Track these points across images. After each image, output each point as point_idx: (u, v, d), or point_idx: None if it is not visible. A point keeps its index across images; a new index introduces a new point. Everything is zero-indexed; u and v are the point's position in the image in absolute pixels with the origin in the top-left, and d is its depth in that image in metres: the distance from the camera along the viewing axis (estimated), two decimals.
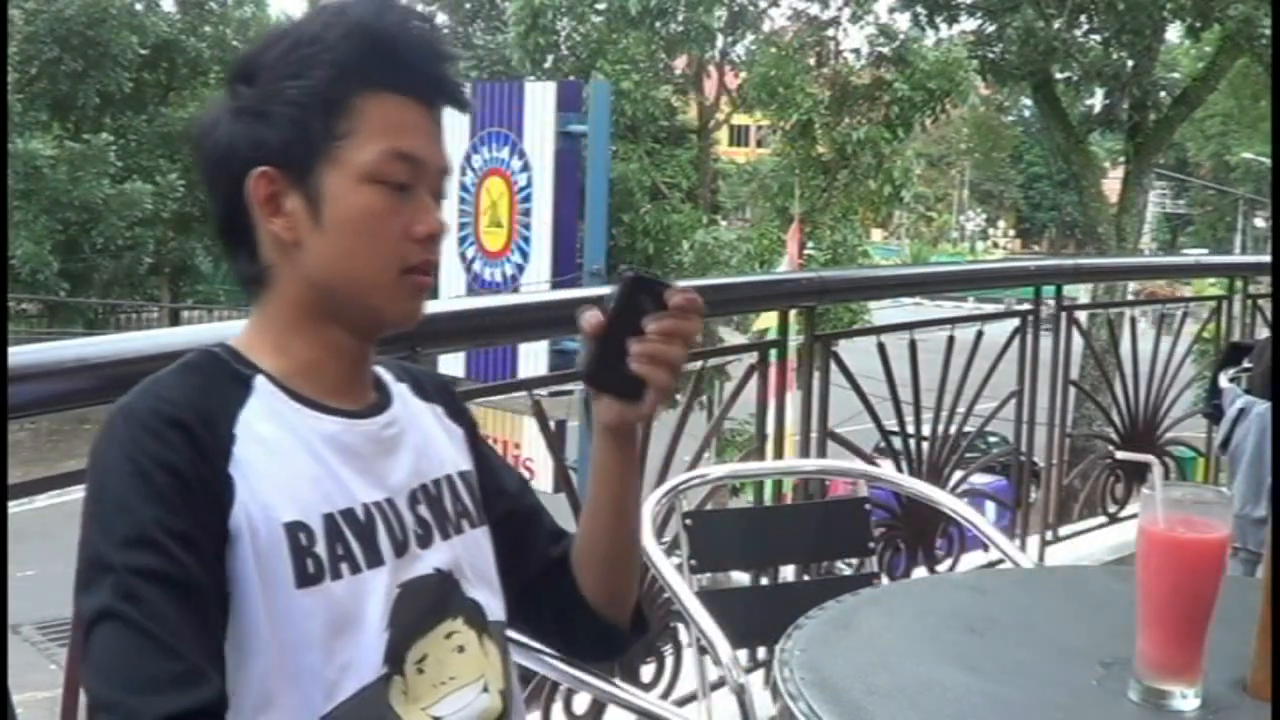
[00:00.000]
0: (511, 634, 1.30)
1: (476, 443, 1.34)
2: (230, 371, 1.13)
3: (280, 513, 1.08)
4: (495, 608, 1.25)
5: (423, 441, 1.24)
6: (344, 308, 1.15)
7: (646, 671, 2.62)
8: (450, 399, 1.33)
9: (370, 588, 1.12)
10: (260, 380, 1.13)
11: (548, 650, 1.44)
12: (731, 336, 15.27)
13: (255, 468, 1.08)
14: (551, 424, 3.12)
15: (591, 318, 1.16)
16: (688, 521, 2.10)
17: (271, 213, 1.12)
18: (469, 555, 1.22)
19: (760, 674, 2.64)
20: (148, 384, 1.10)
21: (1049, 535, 4.17)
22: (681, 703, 2.55)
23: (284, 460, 1.10)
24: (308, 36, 1.11)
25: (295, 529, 1.08)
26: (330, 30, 1.11)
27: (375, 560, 1.13)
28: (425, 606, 1.16)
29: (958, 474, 3.51)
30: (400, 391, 1.26)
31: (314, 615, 1.07)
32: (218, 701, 1.02)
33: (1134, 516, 2.19)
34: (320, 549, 1.09)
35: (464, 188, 12.23)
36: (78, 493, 1.72)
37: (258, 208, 1.12)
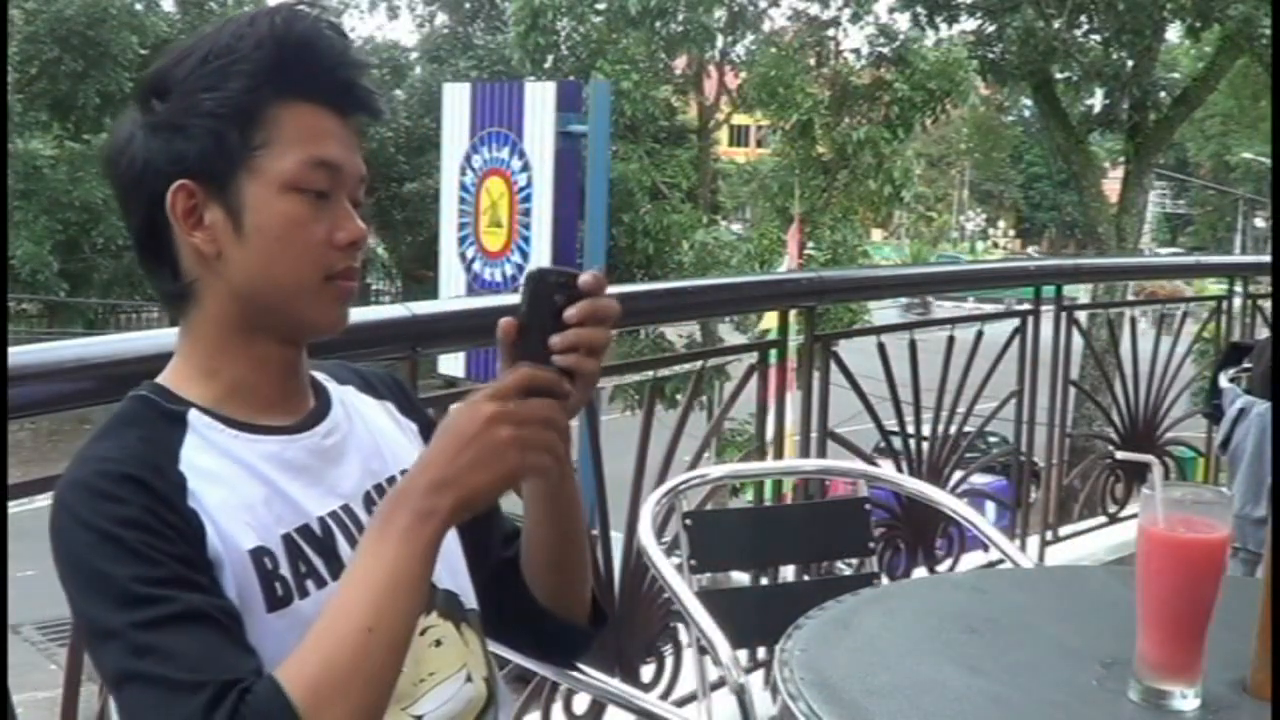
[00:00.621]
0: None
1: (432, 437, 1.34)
2: (162, 412, 1.13)
3: (242, 541, 1.08)
4: (472, 596, 1.26)
5: (371, 441, 1.24)
6: (269, 317, 1.14)
7: (646, 671, 2.62)
8: (402, 395, 1.34)
9: None
10: (193, 414, 1.13)
11: (517, 654, 1.43)
12: (731, 336, 15.30)
13: (210, 502, 1.08)
14: None
15: (508, 324, 1.12)
16: (688, 521, 2.10)
17: (192, 226, 1.12)
18: None
19: (760, 674, 2.64)
20: (84, 453, 1.09)
21: (1049, 535, 4.16)
22: (681, 703, 2.55)
23: (233, 489, 1.10)
24: (220, 48, 1.11)
25: (259, 555, 1.09)
26: (242, 41, 1.11)
27: (339, 571, 1.13)
28: None
29: (958, 474, 3.50)
30: (344, 394, 1.26)
31: (287, 637, 1.08)
32: (255, 677, 1.01)
33: (1134, 516, 2.19)
34: (285, 570, 1.10)
35: (464, 188, 12.23)
36: None
37: (178, 221, 1.12)
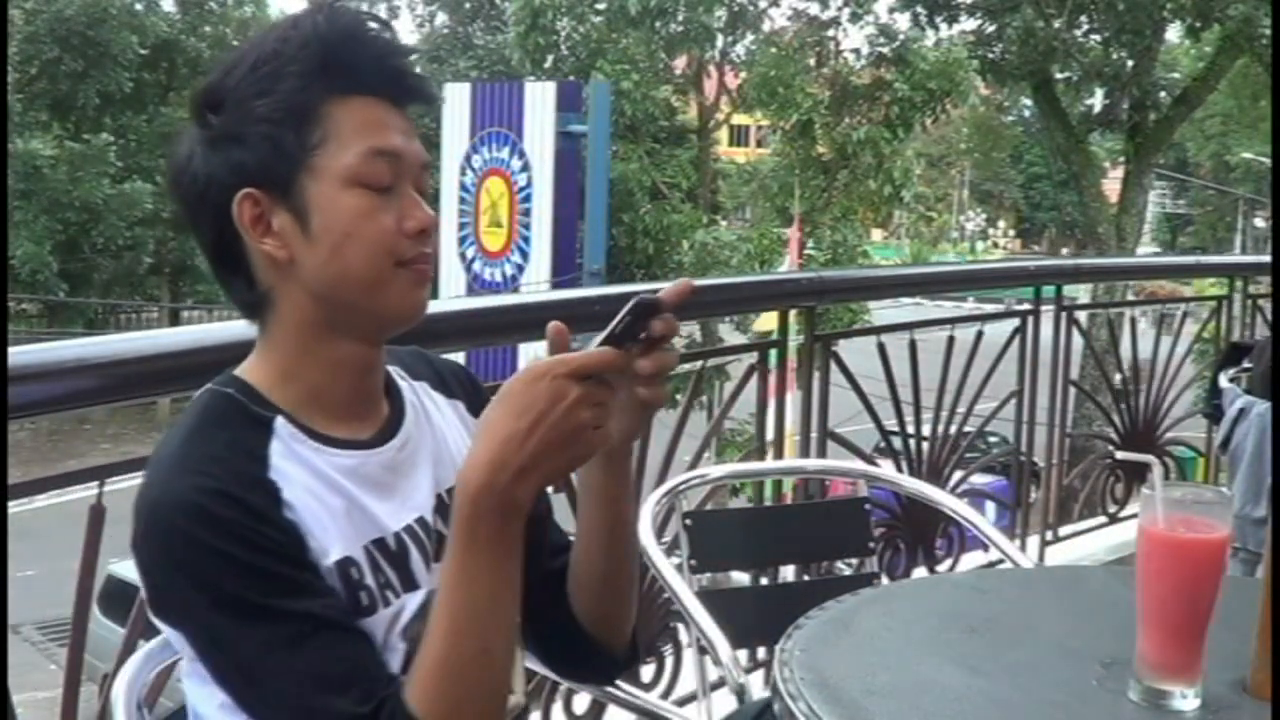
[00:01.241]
0: None
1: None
2: (249, 415, 1.12)
3: (331, 551, 1.10)
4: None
5: (437, 447, 1.23)
6: (348, 315, 1.14)
7: (646, 671, 2.62)
8: (475, 394, 1.32)
9: (408, 610, 1.14)
10: (280, 422, 1.13)
11: (535, 662, 1.42)
12: (731, 336, 15.29)
13: (302, 510, 1.09)
14: None
15: (559, 328, 1.08)
16: (688, 521, 2.09)
17: (261, 233, 1.11)
18: None
19: (760, 674, 2.64)
20: (174, 455, 1.09)
21: (1049, 535, 4.17)
22: (681, 703, 2.55)
23: (318, 499, 1.11)
24: (267, 54, 1.11)
25: (346, 565, 1.10)
26: (287, 44, 1.11)
27: (411, 585, 1.15)
28: None
29: (958, 474, 3.51)
30: (417, 393, 1.25)
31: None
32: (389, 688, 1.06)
33: (1134, 516, 2.19)
34: (369, 580, 1.12)
35: (464, 188, 12.25)
36: (78, 493, 1.74)
37: (247, 230, 1.11)
